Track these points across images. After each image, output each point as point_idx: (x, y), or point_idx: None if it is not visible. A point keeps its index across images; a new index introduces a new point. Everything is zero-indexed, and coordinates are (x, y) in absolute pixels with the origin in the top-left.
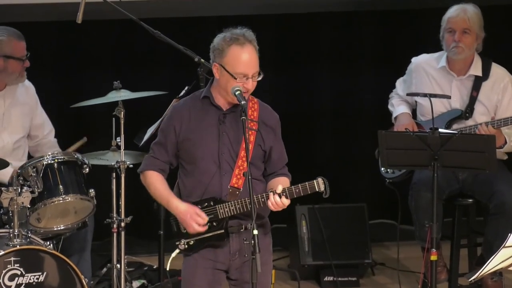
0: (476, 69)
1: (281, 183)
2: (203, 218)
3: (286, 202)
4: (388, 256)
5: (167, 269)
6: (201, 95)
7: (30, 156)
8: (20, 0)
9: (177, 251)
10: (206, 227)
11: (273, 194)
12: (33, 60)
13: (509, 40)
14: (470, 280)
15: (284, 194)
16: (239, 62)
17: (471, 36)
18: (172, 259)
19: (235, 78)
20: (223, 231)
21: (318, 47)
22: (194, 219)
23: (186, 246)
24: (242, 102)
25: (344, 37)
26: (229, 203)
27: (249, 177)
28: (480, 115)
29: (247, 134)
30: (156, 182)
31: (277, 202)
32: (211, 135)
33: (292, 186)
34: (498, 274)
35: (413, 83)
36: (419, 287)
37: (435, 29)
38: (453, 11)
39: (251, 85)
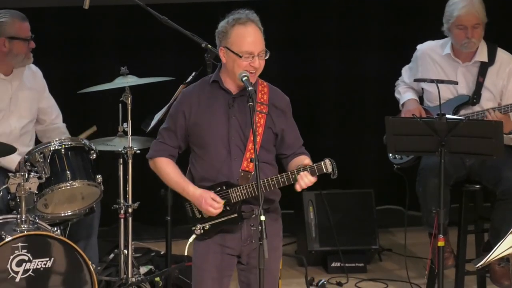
0: (482, 55)
1: (302, 161)
2: (219, 201)
3: (312, 180)
4: (395, 242)
5: (185, 254)
6: (210, 80)
7: (38, 141)
8: None
9: (193, 236)
10: (219, 209)
11: (304, 174)
12: (40, 46)
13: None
14: (477, 266)
15: (293, 176)
16: (244, 41)
17: (480, 28)
18: (188, 244)
19: (241, 57)
20: (236, 215)
21: (325, 33)
22: (209, 203)
23: (202, 231)
24: (249, 88)
25: (351, 24)
26: (241, 187)
27: (257, 163)
28: (486, 101)
29: (256, 118)
30: (168, 168)
31: (306, 180)
32: (220, 119)
33: (301, 167)
34: (505, 260)
35: (419, 70)
36: (426, 273)
37: (439, 15)
38: (461, 8)
39: (258, 63)
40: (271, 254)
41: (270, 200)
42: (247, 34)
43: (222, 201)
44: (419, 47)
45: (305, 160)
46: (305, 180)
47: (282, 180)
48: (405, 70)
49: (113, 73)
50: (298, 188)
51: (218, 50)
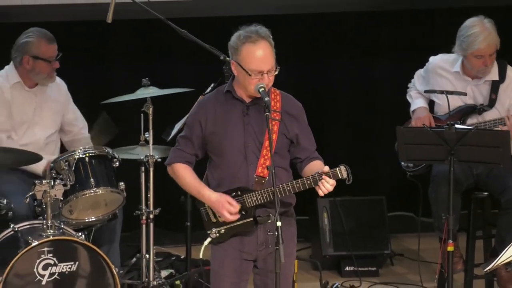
0: (493, 74)
1: (318, 166)
2: (235, 206)
3: (331, 185)
4: (406, 247)
5: (201, 257)
6: (224, 89)
7: (64, 150)
8: (52, 1)
9: (208, 239)
10: (238, 215)
11: (325, 180)
12: (65, 58)
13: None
14: (485, 270)
15: (308, 181)
16: (253, 59)
17: (495, 54)
18: (204, 248)
19: (250, 75)
20: (251, 219)
21: (339, 41)
22: (226, 207)
23: (217, 234)
24: (266, 99)
25: (363, 32)
26: (256, 192)
27: (273, 171)
28: (495, 114)
29: (270, 125)
30: (185, 174)
31: (326, 187)
32: (236, 127)
33: (316, 174)
34: None
35: (430, 82)
36: (436, 276)
37: (449, 25)
38: (482, 41)
39: (267, 80)
40: (287, 258)
41: (286, 204)
42: (256, 53)
43: (238, 205)
44: (431, 59)
45: (322, 165)
46: (326, 185)
47: (298, 185)
48: (417, 76)
49: (135, 85)
50: (321, 193)
51: (230, 62)
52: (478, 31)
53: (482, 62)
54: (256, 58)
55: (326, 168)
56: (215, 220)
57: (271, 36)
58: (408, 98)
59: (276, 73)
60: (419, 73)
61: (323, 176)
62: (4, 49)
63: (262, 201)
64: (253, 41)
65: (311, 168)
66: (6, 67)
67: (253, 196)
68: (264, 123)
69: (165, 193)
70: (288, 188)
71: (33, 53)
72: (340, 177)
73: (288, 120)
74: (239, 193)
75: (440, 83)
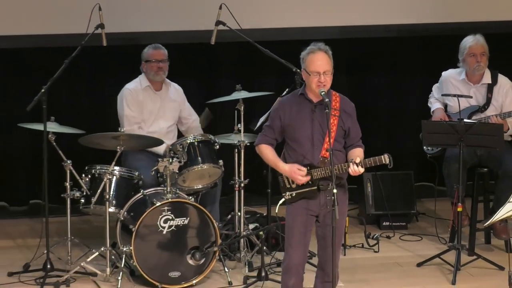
0: (487, 78)
1: (358, 153)
2: (303, 170)
3: (361, 170)
4: (427, 208)
5: (276, 212)
6: (298, 93)
7: (180, 136)
8: (174, 28)
9: (283, 199)
10: (309, 177)
11: (353, 165)
12: (183, 72)
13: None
14: (485, 225)
15: (360, 164)
16: (312, 63)
17: (485, 57)
18: (279, 206)
19: (309, 75)
20: (316, 187)
21: (379, 63)
22: (297, 172)
23: (290, 196)
24: (326, 100)
25: (396, 54)
26: (320, 168)
27: (331, 153)
28: (492, 111)
29: (331, 120)
30: (267, 151)
31: (355, 170)
32: (306, 121)
33: (366, 159)
34: (505, 221)
35: (443, 90)
36: (449, 229)
37: (456, 48)
38: (472, 41)
39: (323, 79)
40: (340, 216)
41: (340, 177)
42: (315, 59)
43: (305, 169)
44: (443, 73)
45: (360, 153)
46: (353, 168)
47: (344, 167)
48: (434, 88)
49: (231, 89)
50: (351, 172)
51: (301, 72)
52: (469, 37)
53: (475, 60)
54: (314, 62)
55: (358, 160)
56: (289, 186)
57: (329, 50)
58: (429, 104)
59: (331, 74)
60: (436, 85)
61: (363, 161)
62: (139, 65)
63: (324, 175)
64: (314, 52)
65: (351, 153)
66: (140, 76)
67: (318, 171)
68: (327, 119)
69: (252, 168)
70: (344, 167)
71: (144, 58)
72: (384, 162)
73: (344, 116)
74: (308, 168)
75: (451, 89)
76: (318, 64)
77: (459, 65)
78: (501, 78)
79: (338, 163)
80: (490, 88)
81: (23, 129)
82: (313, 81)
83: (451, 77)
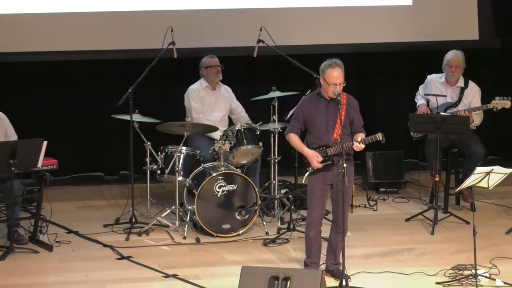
0: (461, 83)
1: (360, 135)
2: (318, 157)
3: (363, 146)
4: (413, 178)
5: (303, 182)
6: (316, 93)
7: (230, 124)
8: (221, 45)
9: (307, 173)
10: (322, 164)
11: (356, 142)
12: (233, 77)
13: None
14: (455, 191)
15: (362, 141)
16: (331, 77)
17: (459, 68)
18: (305, 177)
19: (329, 85)
20: (330, 162)
21: (377, 75)
22: (315, 158)
23: (312, 170)
24: (338, 98)
25: (394, 66)
26: (333, 147)
27: (341, 136)
28: (462, 107)
29: (341, 112)
30: (294, 138)
31: (358, 146)
32: (322, 113)
33: (364, 137)
34: (470, 188)
35: (427, 89)
36: (429, 194)
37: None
38: (450, 56)
39: (338, 88)
40: (349, 184)
41: (348, 153)
42: (333, 74)
43: (321, 157)
44: (428, 76)
45: (362, 135)
46: (357, 145)
47: (351, 146)
48: (421, 88)
49: (268, 90)
50: (355, 148)
51: (319, 78)
52: (451, 51)
53: (451, 70)
54: (333, 76)
55: (359, 139)
56: None
57: (342, 65)
58: (415, 100)
59: (344, 85)
60: (422, 85)
61: (363, 139)
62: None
63: (337, 152)
64: (332, 66)
65: (356, 136)
66: (200, 79)
67: (332, 150)
68: (337, 111)
69: (283, 148)
70: (351, 146)
71: (203, 65)
72: (379, 139)
73: (350, 109)
74: (324, 147)
75: (434, 89)
76: (335, 77)
77: (443, 69)
78: (471, 84)
79: (346, 143)
80: (462, 90)
81: (115, 119)
82: (330, 90)
83: (434, 79)
